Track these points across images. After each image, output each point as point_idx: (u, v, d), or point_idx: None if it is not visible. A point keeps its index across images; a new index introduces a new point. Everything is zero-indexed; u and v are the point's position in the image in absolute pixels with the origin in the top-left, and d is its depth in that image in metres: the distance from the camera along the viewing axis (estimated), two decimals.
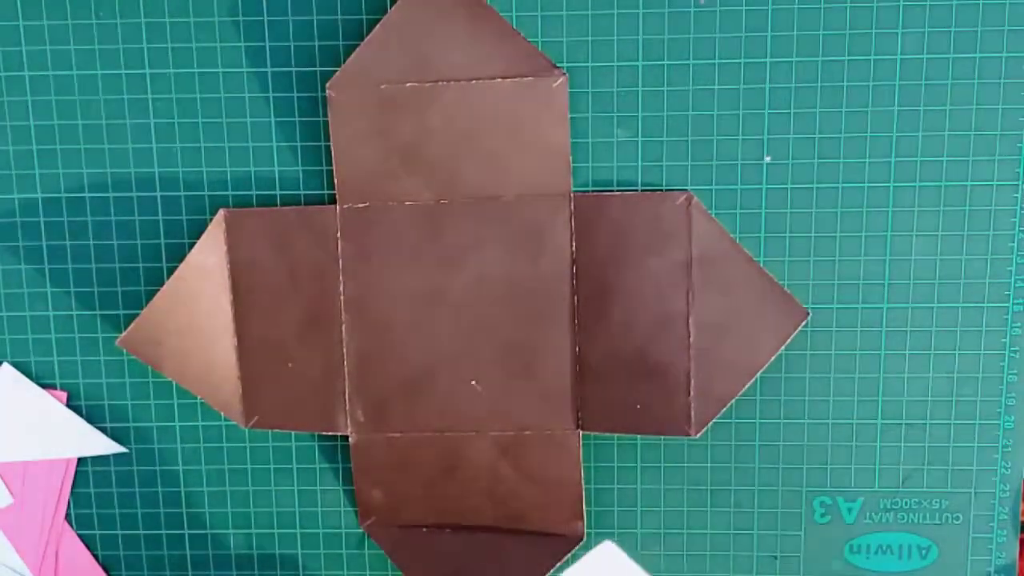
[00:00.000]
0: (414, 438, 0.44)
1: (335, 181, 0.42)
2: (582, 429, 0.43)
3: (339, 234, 0.42)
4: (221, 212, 0.42)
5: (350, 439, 0.44)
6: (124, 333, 0.42)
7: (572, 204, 0.41)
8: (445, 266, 0.42)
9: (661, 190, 0.42)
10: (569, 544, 0.44)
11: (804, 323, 0.42)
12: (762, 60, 0.41)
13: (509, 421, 0.43)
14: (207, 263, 0.42)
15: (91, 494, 0.45)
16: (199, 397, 0.43)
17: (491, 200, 0.41)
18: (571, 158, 0.41)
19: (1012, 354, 0.42)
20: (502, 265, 0.42)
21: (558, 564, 0.44)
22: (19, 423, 0.45)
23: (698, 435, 0.41)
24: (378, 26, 0.40)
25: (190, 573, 0.46)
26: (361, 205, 0.42)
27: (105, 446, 0.45)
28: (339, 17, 0.41)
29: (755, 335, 0.41)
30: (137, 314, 0.43)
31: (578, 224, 0.41)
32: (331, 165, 0.42)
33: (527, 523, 0.44)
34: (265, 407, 0.43)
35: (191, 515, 0.45)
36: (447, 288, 0.42)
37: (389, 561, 0.45)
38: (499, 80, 0.40)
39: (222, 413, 0.44)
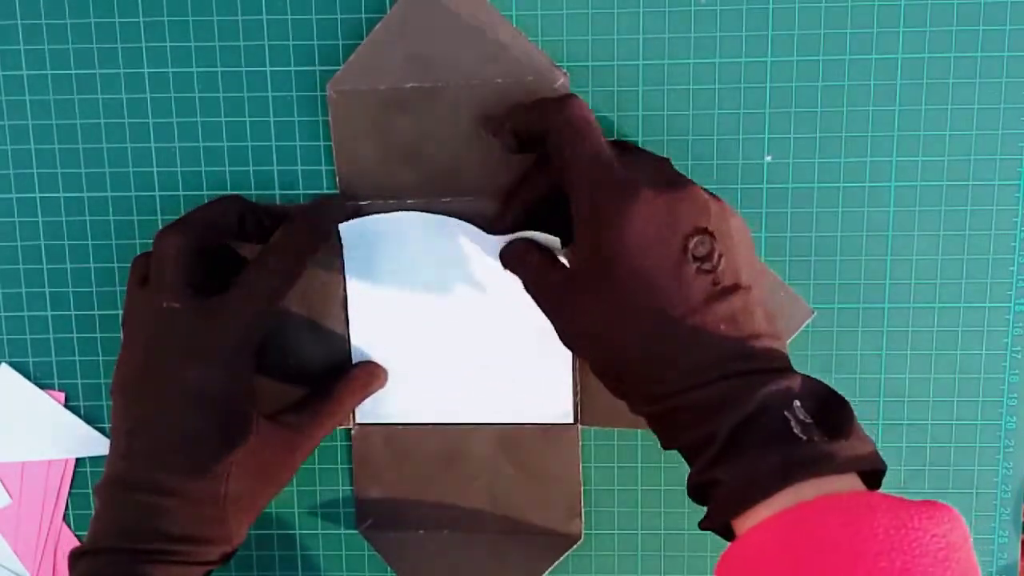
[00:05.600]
0: (414, 432, 0.44)
1: (336, 179, 0.42)
2: (581, 424, 0.43)
3: (341, 228, 0.42)
4: None
5: (352, 432, 0.44)
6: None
7: None
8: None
9: None
10: (567, 543, 0.44)
11: (807, 322, 0.42)
12: (763, 59, 0.41)
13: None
14: None
15: (89, 495, 0.45)
16: None
17: (490, 197, 0.41)
18: None
19: (1014, 354, 0.42)
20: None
21: (556, 564, 0.44)
22: (17, 423, 0.45)
23: None
24: (378, 25, 0.40)
25: None
26: (363, 203, 0.42)
27: (103, 446, 0.45)
28: (338, 16, 0.41)
29: None
30: None
31: None
32: (330, 164, 0.42)
33: (526, 522, 0.44)
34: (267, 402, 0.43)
35: None
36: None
37: None
38: (500, 80, 0.40)
39: None
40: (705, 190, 0.35)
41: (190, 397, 0.37)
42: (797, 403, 0.32)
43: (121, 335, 0.39)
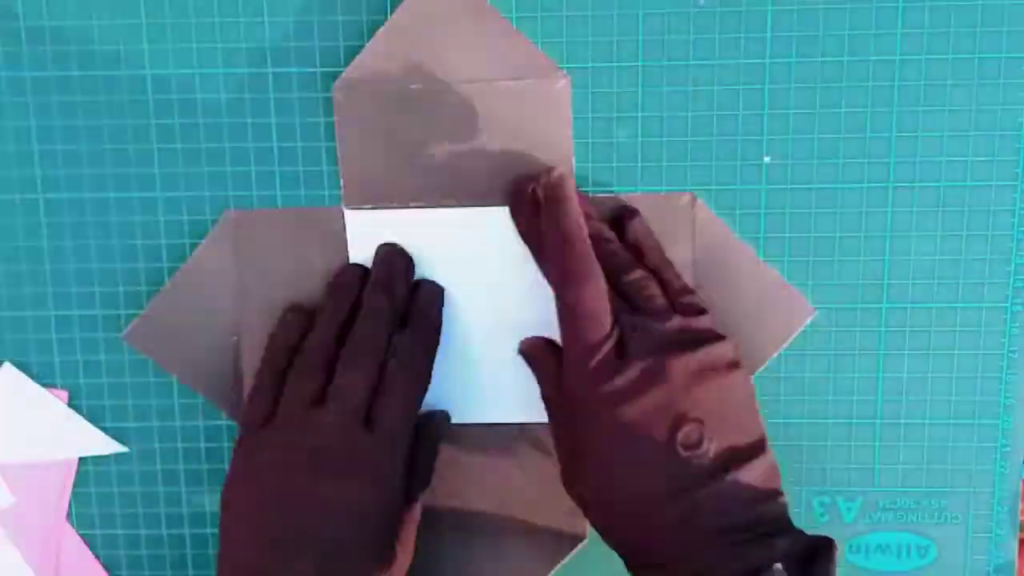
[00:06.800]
0: None
1: (341, 182, 0.42)
2: None
3: (348, 234, 0.42)
4: (229, 213, 0.42)
5: None
6: (128, 328, 0.43)
7: None
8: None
9: (661, 190, 0.42)
10: (571, 543, 0.44)
11: (808, 321, 0.42)
12: (761, 61, 0.41)
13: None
14: (212, 262, 0.42)
15: (92, 493, 0.45)
16: (201, 395, 0.44)
17: (494, 199, 0.41)
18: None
19: (1011, 354, 0.42)
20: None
21: (560, 563, 0.44)
22: (20, 423, 0.45)
23: None
24: (383, 28, 0.40)
25: (191, 573, 0.46)
26: (367, 207, 0.42)
27: (106, 445, 0.45)
28: (339, 18, 0.41)
29: (761, 332, 0.42)
30: (138, 314, 0.43)
31: None
32: (331, 165, 0.42)
33: (530, 521, 0.44)
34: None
35: (191, 515, 0.45)
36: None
37: None
38: (502, 82, 0.40)
39: (223, 412, 0.44)
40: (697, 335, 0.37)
41: (357, 512, 0.36)
42: (778, 566, 0.32)
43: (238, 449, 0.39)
